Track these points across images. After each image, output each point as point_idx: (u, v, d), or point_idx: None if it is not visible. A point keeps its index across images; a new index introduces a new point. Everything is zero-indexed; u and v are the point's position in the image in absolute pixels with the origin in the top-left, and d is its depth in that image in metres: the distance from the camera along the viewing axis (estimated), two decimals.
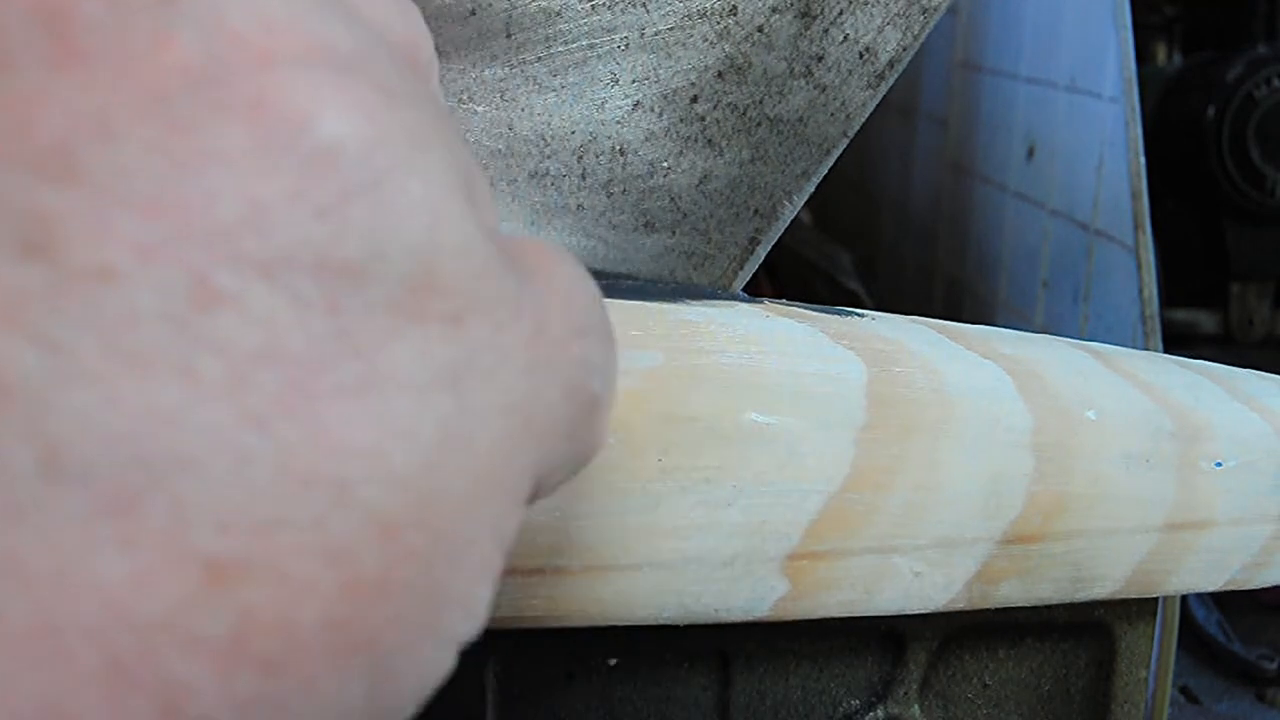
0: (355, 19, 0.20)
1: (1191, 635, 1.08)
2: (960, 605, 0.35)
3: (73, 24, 0.17)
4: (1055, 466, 0.35)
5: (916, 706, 0.41)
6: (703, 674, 0.40)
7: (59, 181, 0.17)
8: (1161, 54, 1.13)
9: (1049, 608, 0.40)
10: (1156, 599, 0.42)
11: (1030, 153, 1.06)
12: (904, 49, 0.36)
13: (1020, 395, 0.35)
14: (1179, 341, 1.09)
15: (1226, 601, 1.10)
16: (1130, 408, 0.36)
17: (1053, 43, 1.03)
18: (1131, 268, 0.90)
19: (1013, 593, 0.36)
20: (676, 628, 0.36)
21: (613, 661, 0.39)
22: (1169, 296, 1.04)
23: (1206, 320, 1.09)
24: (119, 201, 0.17)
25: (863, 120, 0.36)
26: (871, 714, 0.41)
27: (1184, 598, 1.01)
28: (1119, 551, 0.36)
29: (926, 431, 0.34)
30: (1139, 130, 0.85)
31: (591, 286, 0.24)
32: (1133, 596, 0.37)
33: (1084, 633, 0.42)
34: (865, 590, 0.34)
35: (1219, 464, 0.36)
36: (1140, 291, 0.90)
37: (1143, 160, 0.86)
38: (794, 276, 1.30)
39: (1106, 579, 0.36)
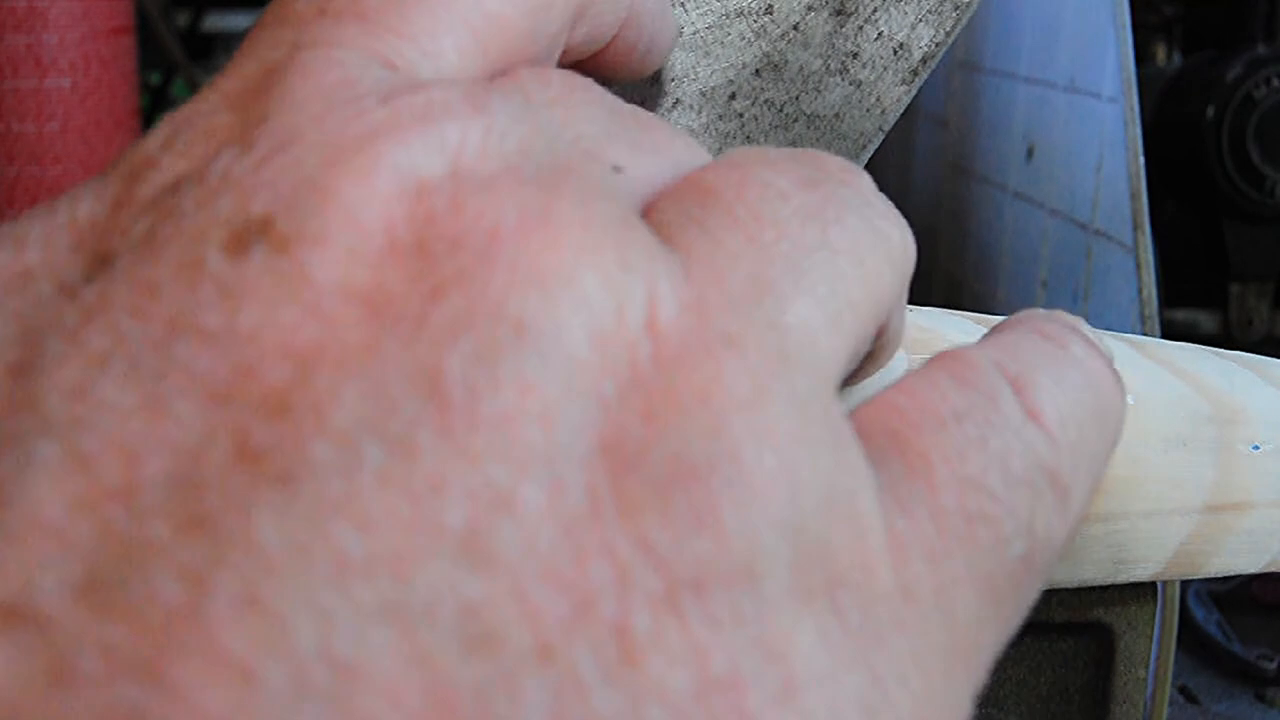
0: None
1: (1191, 635, 1.08)
2: None
3: (447, 384, 0.18)
4: None
5: None
6: None
7: (479, 568, 0.17)
8: (1161, 54, 1.13)
9: (1047, 607, 0.41)
10: (1155, 599, 0.42)
11: (1030, 153, 1.06)
12: (937, 45, 0.36)
13: None
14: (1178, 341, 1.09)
15: (1226, 601, 1.11)
16: (1167, 393, 0.37)
17: (1052, 43, 1.03)
18: (1131, 268, 0.91)
19: (1056, 574, 0.36)
20: None
21: None
22: (1168, 296, 1.04)
23: (1206, 320, 1.09)
24: (532, 575, 0.17)
25: (897, 116, 0.37)
26: None
27: (1183, 598, 1.01)
28: (1160, 533, 0.36)
29: None
30: (1138, 130, 0.85)
31: (1000, 430, 0.22)
32: (1174, 578, 0.38)
33: (1083, 632, 0.42)
34: None
35: (1256, 447, 0.37)
36: (1139, 291, 0.90)
37: (1142, 160, 0.86)
38: None
39: (1148, 561, 0.37)
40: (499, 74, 0.23)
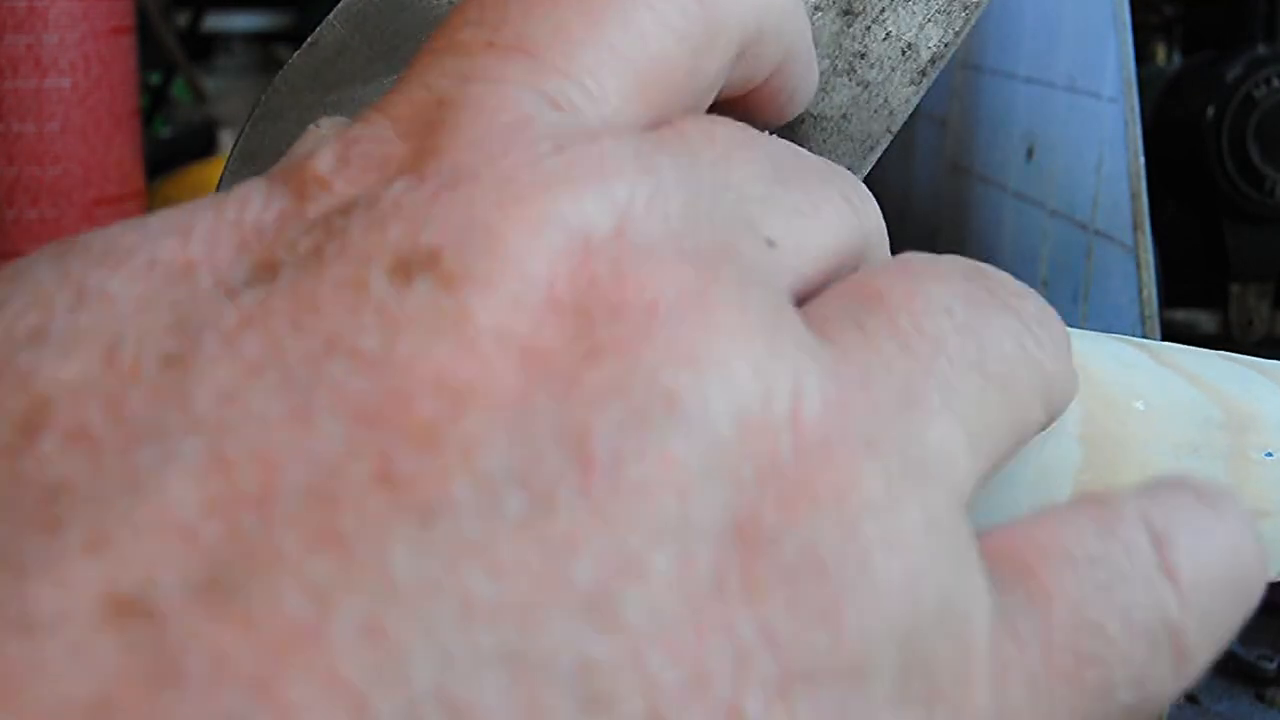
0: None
1: None
2: None
3: (593, 445, 0.18)
4: (1104, 456, 0.35)
5: None
6: None
7: (602, 629, 0.17)
8: (1161, 54, 1.13)
9: None
10: None
11: (1030, 153, 1.06)
12: (946, 45, 0.36)
13: None
14: (1178, 342, 1.09)
15: None
16: (1179, 398, 0.37)
17: (1052, 43, 1.03)
18: (1131, 268, 0.91)
19: None
20: None
21: None
22: (1168, 297, 1.04)
23: (1206, 320, 1.09)
24: (652, 642, 0.17)
25: (906, 117, 0.37)
26: None
27: None
28: None
29: None
30: (1138, 130, 0.85)
31: (1114, 560, 0.22)
32: None
33: None
34: None
35: (1269, 454, 0.37)
36: (1140, 292, 0.90)
37: (1142, 160, 0.86)
38: None
39: None
40: (660, 120, 0.23)
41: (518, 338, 0.18)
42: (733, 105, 0.28)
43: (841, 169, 0.26)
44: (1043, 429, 0.24)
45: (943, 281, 0.23)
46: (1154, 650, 0.22)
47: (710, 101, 0.26)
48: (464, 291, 0.18)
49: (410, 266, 0.19)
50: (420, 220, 0.19)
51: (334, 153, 0.21)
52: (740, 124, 0.24)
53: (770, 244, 0.22)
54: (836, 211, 0.24)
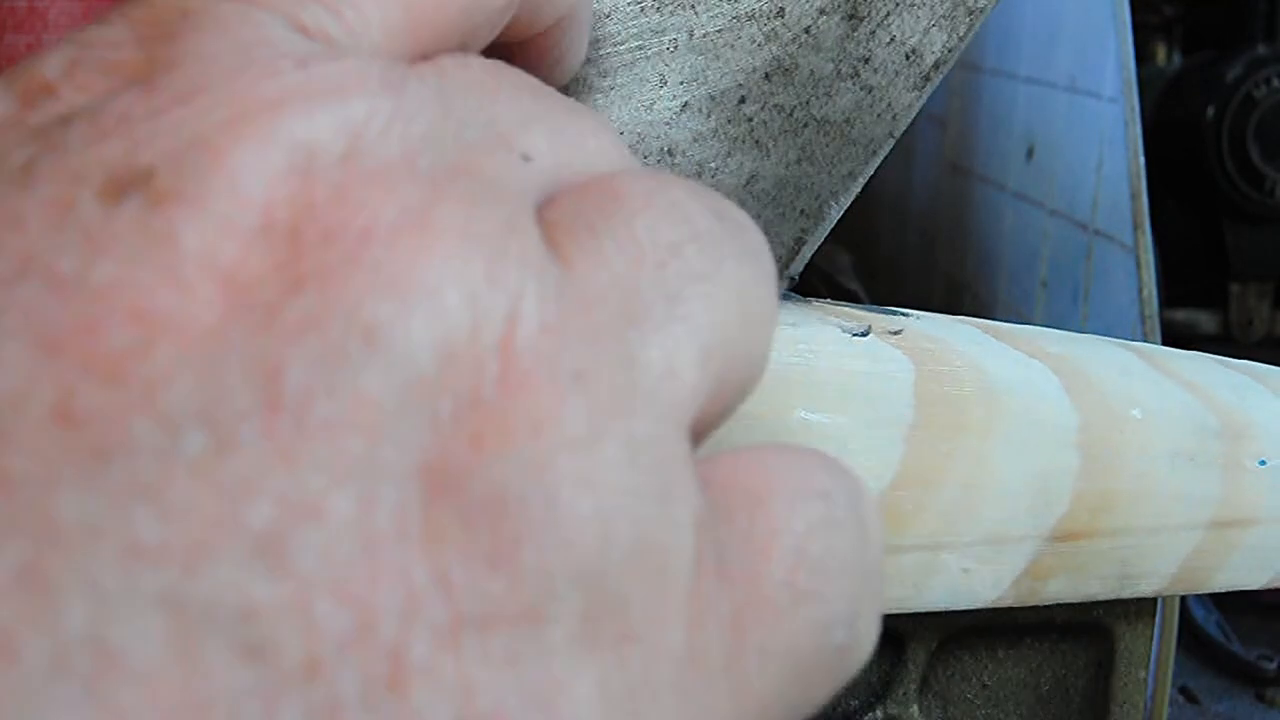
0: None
1: (1191, 635, 1.08)
2: (1009, 602, 0.36)
3: (283, 382, 0.17)
4: (1101, 464, 0.36)
5: (915, 707, 0.42)
6: None
7: (270, 572, 0.16)
8: (1161, 54, 1.13)
9: (1048, 609, 0.41)
10: (1155, 600, 0.42)
11: (1030, 153, 1.06)
12: (949, 50, 0.36)
13: (1066, 393, 0.36)
14: (1178, 342, 1.09)
15: (1226, 601, 1.11)
16: (1175, 406, 0.37)
17: (1052, 43, 1.03)
18: (1131, 268, 0.91)
19: (1061, 590, 0.36)
20: None
21: None
22: (1169, 296, 1.04)
23: (1206, 320, 1.09)
24: (321, 588, 0.16)
25: (909, 121, 0.37)
26: (870, 714, 0.42)
27: (1183, 599, 1.01)
28: (1165, 548, 0.36)
29: (974, 429, 0.35)
30: (1138, 130, 0.85)
31: (831, 497, 0.21)
32: (1179, 593, 0.38)
33: (1083, 633, 0.43)
34: (914, 587, 0.35)
35: (1263, 462, 0.37)
36: (1140, 291, 0.90)
37: (1142, 160, 0.86)
38: None
39: (1153, 576, 0.37)
40: (423, 57, 0.22)
41: (222, 265, 0.17)
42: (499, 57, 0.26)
43: (602, 116, 0.25)
44: (765, 358, 0.23)
45: (687, 189, 0.22)
46: (867, 587, 0.21)
47: (481, 48, 0.25)
48: (172, 213, 0.17)
49: (123, 184, 0.18)
50: (140, 136, 0.18)
51: (65, 56, 0.20)
52: (499, 60, 0.23)
53: (526, 158, 0.21)
54: (599, 138, 0.23)
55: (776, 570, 0.20)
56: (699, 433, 0.21)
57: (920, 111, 0.37)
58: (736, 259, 0.21)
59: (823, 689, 0.21)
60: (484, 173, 0.20)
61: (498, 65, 0.23)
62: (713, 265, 0.21)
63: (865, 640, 0.21)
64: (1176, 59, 1.14)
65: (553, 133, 0.22)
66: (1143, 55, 1.07)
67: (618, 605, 0.18)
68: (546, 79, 0.26)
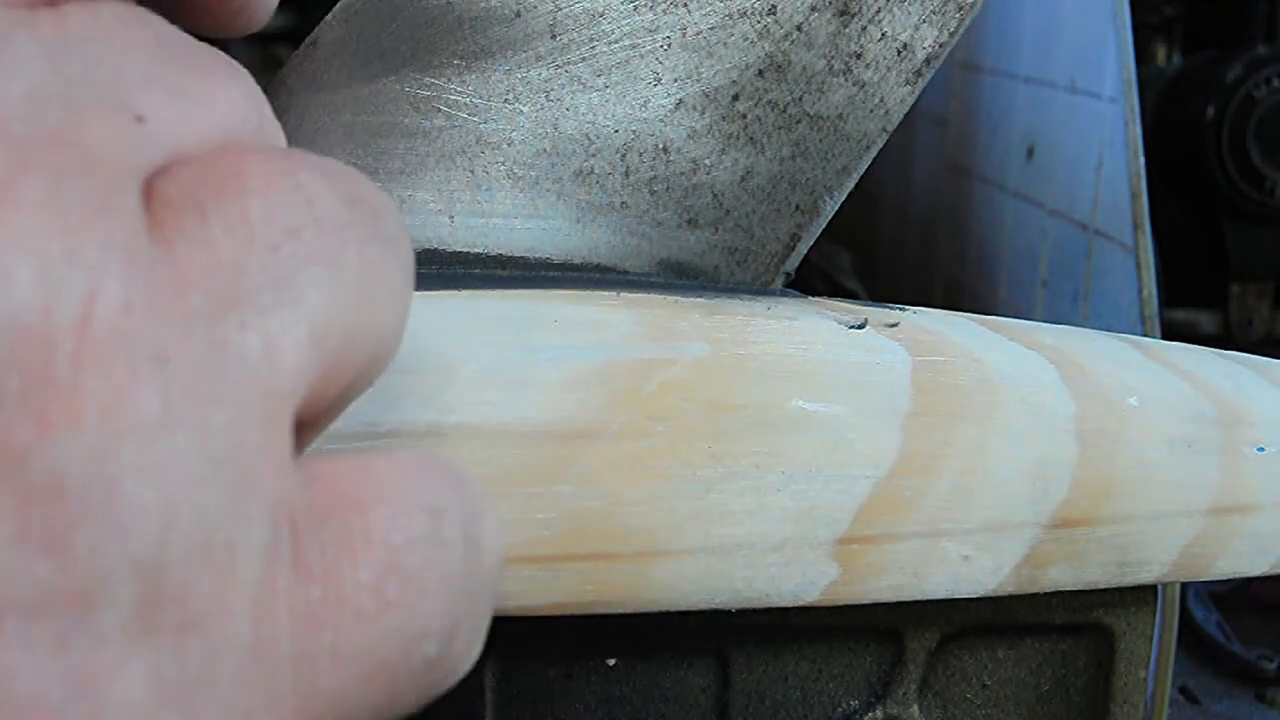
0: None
1: (1191, 635, 1.09)
2: (1009, 589, 0.36)
3: None
4: (1100, 452, 0.36)
5: (915, 706, 0.42)
6: (702, 674, 0.40)
7: None
8: (1161, 54, 1.13)
9: (1048, 608, 0.41)
10: (1155, 600, 0.42)
11: (1030, 153, 1.06)
12: (941, 45, 0.37)
13: (1063, 383, 0.36)
14: (1178, 342, 1.09)
15: (1226, 602, 1.11)
16: (1172, 394, 0.37)
17: (1052, 43, 1.03)
18: (1131, 268, 0.91)
19: (1061, 577, 0.36)
20: (676, 627, 0.36)
21: (612, 661, 0.39)
22: (1169, 296, 1.04)
23: (1206, 320, 1.09)
24: None
25: (901, 116, 0.37)
26: (870, 714, 0.42)
27: (1183, 599, 1.01)
28: (1165, 535, 0.37)
29: (972, 418, 0.35)
30: (1138, 130, 0.85)
31: (437, 505, 0.21)
32: (1179, 580, 0.38)
33: (1083, 633, 0.43)
34: (915, 574, 0.35)
35: (1261, 449, 0.37)
36: (1140, 291, 0.90)
37: (1142, 160, 0.86)
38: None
39: (1153, 563, 0.37)
40: (45, 4, 0.21)
41: None
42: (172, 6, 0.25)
43: (243, 69, 0.24)
44: (397, 341, 0.22)
45: (318, 171, 0.21)
46: (469, 606, 0.21)
47: None
48: None
49: None
50: None
51: None
52: (135, 6, 0.22)
53: (139, 120, 0.20)
54: (228, 96, 0.22)
55: (364, 576, 0.20)
56: (318, 413, 0.21)
57: (920, 111, 0.37)
58: (362, 243, 0.21)
59: (409, 697, 0.21)
60: (84, 140, 0.19)
61: (134, 14, 0.21)
62: (334, 249, 0.20)
63: (461, 657, 0.21)
64: (1176, 59, 1.14)
65: (176, 92, 0.21)
66: (1143, 55, 1.07)
67: (177, 594, 0.18)
68: (227, 28, 0.25)
